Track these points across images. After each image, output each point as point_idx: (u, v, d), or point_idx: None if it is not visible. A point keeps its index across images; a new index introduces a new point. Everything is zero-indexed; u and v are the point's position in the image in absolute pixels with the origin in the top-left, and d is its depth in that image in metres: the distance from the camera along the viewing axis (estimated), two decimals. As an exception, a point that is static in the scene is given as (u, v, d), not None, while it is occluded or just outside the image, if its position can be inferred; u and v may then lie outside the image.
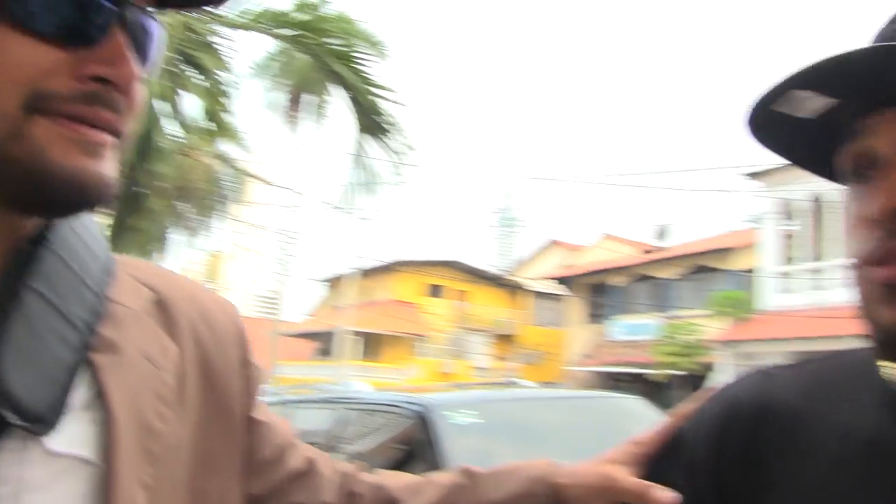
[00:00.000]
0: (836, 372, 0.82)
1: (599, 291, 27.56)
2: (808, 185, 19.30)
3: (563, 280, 30.01)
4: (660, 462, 0.90)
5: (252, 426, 0.91)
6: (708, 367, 20.57)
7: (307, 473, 0.98)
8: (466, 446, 3.76)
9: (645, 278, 26.24)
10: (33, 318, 0.68)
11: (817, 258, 20.31)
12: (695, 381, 21.34)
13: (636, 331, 24.92)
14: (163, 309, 0.82)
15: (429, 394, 4.42)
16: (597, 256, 29.90)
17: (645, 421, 4.75)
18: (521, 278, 34.51)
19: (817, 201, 19.54)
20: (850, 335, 0.80)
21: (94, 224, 0.80)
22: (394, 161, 8.43)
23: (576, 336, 27.93)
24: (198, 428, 0.82)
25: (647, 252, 28.23)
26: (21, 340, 0.66)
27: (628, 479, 0.91)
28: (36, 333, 0.68)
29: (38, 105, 0.63)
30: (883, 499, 0.69)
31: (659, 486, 0.87)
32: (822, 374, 0.83)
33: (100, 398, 0.70)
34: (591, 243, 32.42)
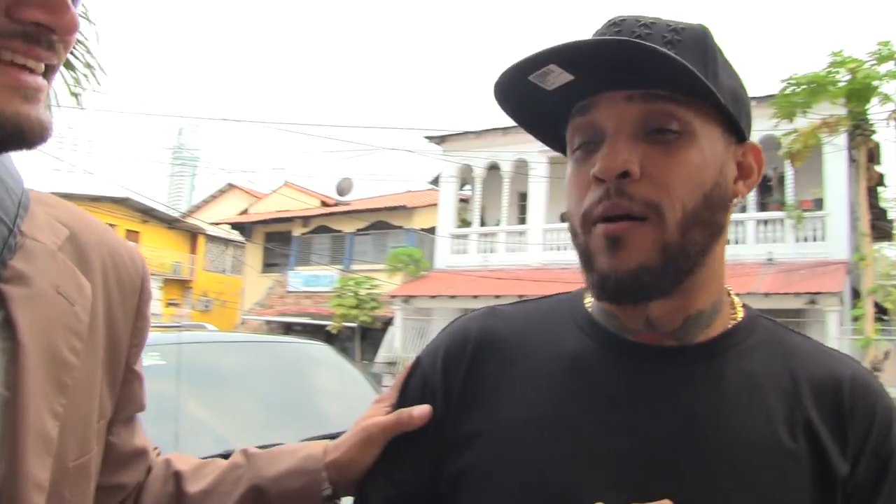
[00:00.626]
0: (551, 307, 0.99)
1: (278, 240, 27.15)
2: (483, 153, 20.49)
3: (240, 226, 29.14)
4: (403, 391, 1.00)
5: (129, 378, 0.93)
6: (382, 321, 21.14)
7: (143, 455, 0.99)
8: (150, 389, 3.38)
9: (325, 230, 26.32)
10: None
11: (487, 222, 21.71)
12: (369, 333, 21.86)
13: (314, 282, 24.94)
14: (77, 248, 0.84)
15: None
16: (276, 204, 29.33)
17: (330, 366, 4.69)
18: (196, 221, 32.95)
19: (492, 168, 20.80)
20: (511, 294, 1.32)
21: (10, 159, 0.79)
22: (74, 82, 7.18)
23: (252, 284, 27.30)
24: (101, 367, 0.85)
25: (328, 205, 28.28)
26: None
27: (382, 419, 0.97)
28: None
29: None
30: (578, 402, 0.86)
31: (408, 408, 0.96)
32: (540, 309, 0.99)
33: (8, 328, 0.71)
34: (271, 190, 31.74)
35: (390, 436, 0.96)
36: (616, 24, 0.86)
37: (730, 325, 0.90)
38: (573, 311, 0.96)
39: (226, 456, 3.13)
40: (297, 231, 26.83)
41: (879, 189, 18.21)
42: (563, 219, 20.19)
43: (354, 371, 4.83)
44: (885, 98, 12.41)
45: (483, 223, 21.68)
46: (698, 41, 0.84)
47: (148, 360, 3.45)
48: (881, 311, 16.45)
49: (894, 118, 12.81)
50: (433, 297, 19.32)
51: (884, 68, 12.14)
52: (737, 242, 16.70)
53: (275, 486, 0.98)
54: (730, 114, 0.84)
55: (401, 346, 19.96)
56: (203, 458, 1.08)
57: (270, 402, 4.02)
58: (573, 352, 0.90)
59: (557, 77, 0.82)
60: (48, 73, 0.70)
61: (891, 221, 19.29)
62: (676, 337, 0.87)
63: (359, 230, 25.29)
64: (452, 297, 18.71)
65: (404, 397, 0.99)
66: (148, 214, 30.90)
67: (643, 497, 0.78)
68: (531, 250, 19.65)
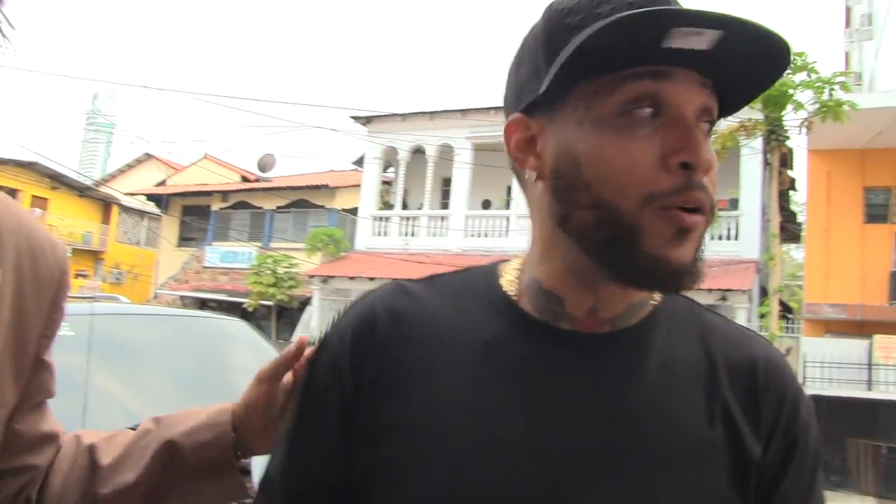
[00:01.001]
0: (464, 285, 0.92)
1: (196, 214, 26.56)
2: (408, 136, 20.46)
3: (157, 198, 28.38)
4: (311, 372, 0.93)
5: (38, 367, 0.92)
6: (300, 300, 20.95)
7: (52, 439, 0.97)
8: (59, 361, 3.29)
9: (245, 206, 25.88)
10: None
11: (409, 206, 21.70)
12: (286, 312, 21.63)
13: (231, 258, 24.52)
14: None
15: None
16: (195, 177, 28.64)
17: (246, 342, 4.59)
18: (110, 190, 31.92)
19: (417, 152, 20.78)
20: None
21: None
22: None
23: (168, 258, 26.64)
24: (4, 356, 0.83)
25: (249, 180, 27.79)
26: None
27: (270, 362, 1.00)
28: None
29: None
30: (502, 392, 0.81)
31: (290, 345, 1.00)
32: (453, 286, 0.92)
33: None
34: (191, 163, 30.96)
35: (280, 374, 1.01)
36: None
37: (650, 307, 0.88)
38: (488, 290, 0.90)
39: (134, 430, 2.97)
40: (216, 206, 26.30)
41: (791, 193, 18.92)
42: (485, 206, 20.44)
43: (270, 348, 4.76)
44: (799, 106, 12.84)
45: (405, 206, 21.66)
46: None
47: (61, 331, 3.35)
48: (786, 309, 17.14)
49: (806, 126, 13.28)
50: (352, 278, 19.21)
51: (798, 78, 12.56)
52: (653, 237, 17.12)
53: (187, 440, 0.99)
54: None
55: (317, 326, 19.81)
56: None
57: (184, 376, 3.92)
58: (493, 337, 0.85)
59: (698, 41, 0.73)
60: None
61: (799, 224, 20.09)
62: (612, 324, 0.85)
63: (279, 207, 24.96)
64: (372, 278, 18.64)
65: (312, 380, 0.92)
66: (57, 181, 29.77)
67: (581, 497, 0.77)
68: (452, 235, 19.73)
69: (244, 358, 4.57)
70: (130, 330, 4.07)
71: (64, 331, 3.51)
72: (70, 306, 3.93)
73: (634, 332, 0.86)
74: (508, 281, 0.91)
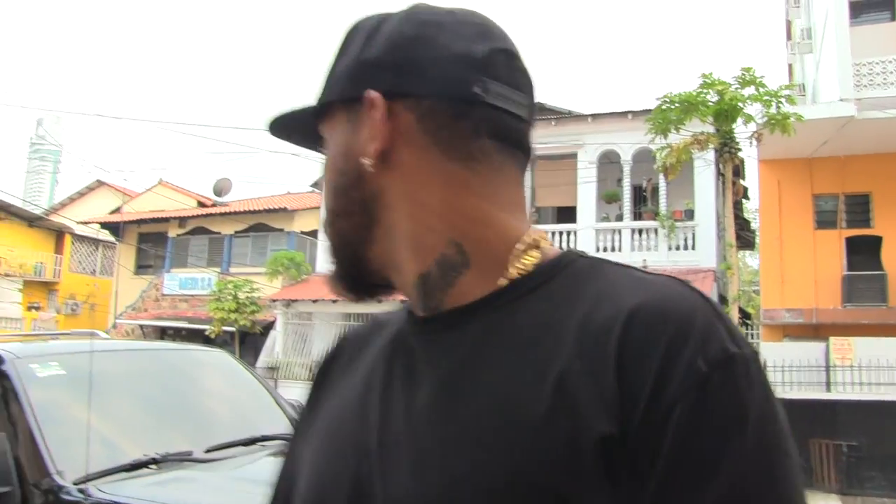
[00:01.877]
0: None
1: (152, 241, 26.26)
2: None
3: (111, 225, 27.97)
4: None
5: None
6: (262, 325, 20.78)
7: None
8: (51, 399, 3.53)
9: (202, 231, 25.66)
10: None
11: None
12: (248, 337, 21.43)
13: (191, 284, 24.27)
14: None
15: (4, 343, 3.85)
16: (150, 204, 28.35)
17: (226, 371, 4.68)
18: (62, 219, 31.35)
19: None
20: (394, 299, 0.93)
21: None
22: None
23: (125, 287, 26.21)
24: None
25: (205, 205, 27.56)
26: None
27: None
28: None
29: None
30: (358, 389, 0.83)
31: None
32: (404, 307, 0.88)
33: None
34: (145, 189, 30.63)
35: None
36: None
37: (507, 280, 0.76)
38: None
39: (133, 466, 3.15)
40: (173, 232, 26.03)
41: (744, 201, 19.37)
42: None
43: (250, 377, 4.82)
44: (748, 118, 13.21)
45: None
46: (344, 39, 0.85)
47: (47, 370, 3.41)
48: (745, 315, 17.50)
49: (756, 137, 13.67)
50: (315, 301, 19.14)
51: (747, 92, 12.93)
52: (613, 250, 17.40)
53: None
54: (346, 94, 0.81)
55: (282, 350, 19.68)
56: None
57: (169, 409, 3.98)
58: (386, 340, 0.86)
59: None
60: None
61: (753, 232, 20.57)
62: (424, 309, 0.79)
63: (237, 232, 24.79)
64: (335, 300, 18.58)
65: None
66: (4, 211, 28.89)
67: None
68: (414, 255, 19.72)
69: (228, 389, 4.63)
70: (118, 365, 4.12)
71: (56, 370, 3.54)
72: (59, 344, 4.00)
73: (471, 310, 0.77)
74: None
